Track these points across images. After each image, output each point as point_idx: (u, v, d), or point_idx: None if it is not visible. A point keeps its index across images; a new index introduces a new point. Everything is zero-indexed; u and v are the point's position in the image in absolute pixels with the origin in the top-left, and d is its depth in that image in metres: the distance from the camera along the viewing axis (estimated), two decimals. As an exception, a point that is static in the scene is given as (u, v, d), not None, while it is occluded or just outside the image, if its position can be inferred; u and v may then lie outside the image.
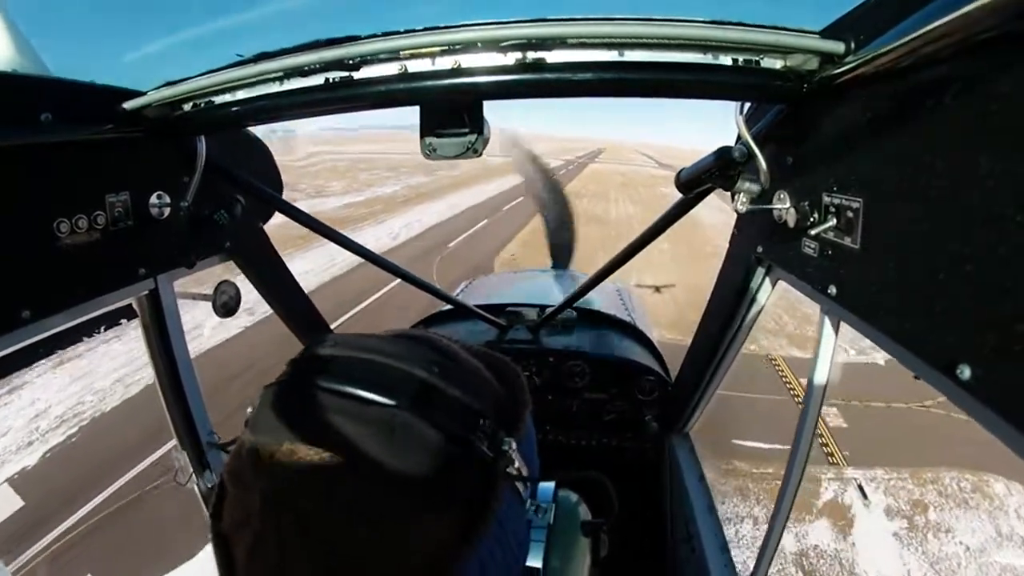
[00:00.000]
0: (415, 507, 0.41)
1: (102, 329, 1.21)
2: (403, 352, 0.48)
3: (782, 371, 12.25)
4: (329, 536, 0.39)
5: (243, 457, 0.43)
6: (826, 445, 9.72)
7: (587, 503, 0.70)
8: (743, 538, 7.59)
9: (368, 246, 1.88)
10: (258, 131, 1.53)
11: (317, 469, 0.40)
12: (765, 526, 1.36)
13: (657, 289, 15.86)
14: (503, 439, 0.47)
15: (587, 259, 6.11)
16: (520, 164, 7.49)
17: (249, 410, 0.47)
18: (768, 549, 1.36)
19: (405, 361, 0.47)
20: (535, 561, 0.57)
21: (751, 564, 1.44)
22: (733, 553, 1.73)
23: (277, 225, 1.66)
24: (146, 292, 1.28)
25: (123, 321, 1.29)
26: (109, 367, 10.85)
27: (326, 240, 1.75)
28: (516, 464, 0.48)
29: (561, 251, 5.97)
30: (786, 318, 14.38)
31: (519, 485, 0.50)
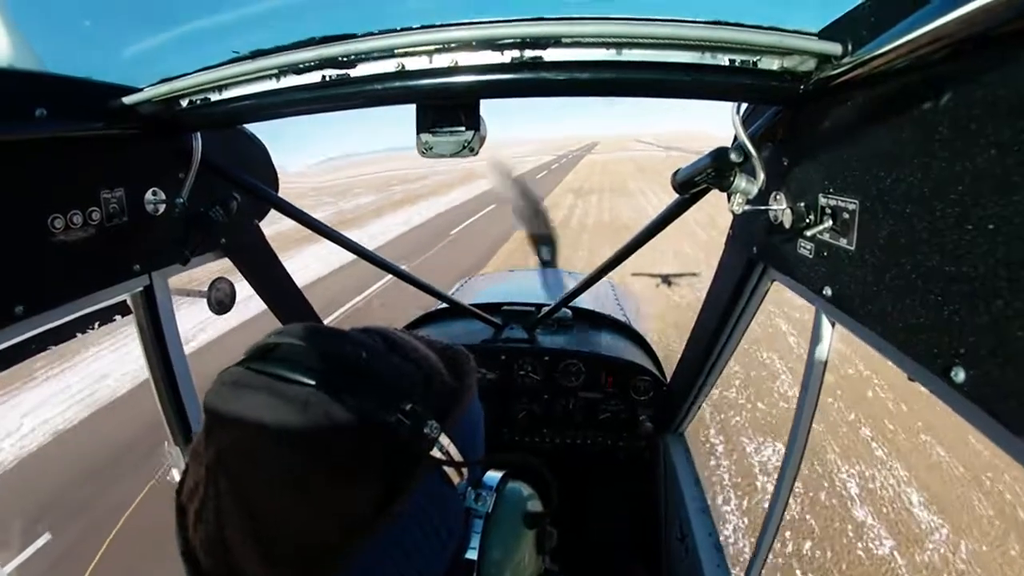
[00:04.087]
0: (328, 480, 0.45)
1: (96, 325, 1.21)
2: (340, 338, 0.53)
3: None
4: (257, 499, 0.44)
5: (200, 433, 0.49)
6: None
7: (543, 498, 0.68)
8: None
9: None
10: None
11: (249, 440, 0.45)
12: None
13: (666, 280, 10.43)
14: (426, 423, 0.50)
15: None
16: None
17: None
18: (761, 550, 1.36)
19: (337, 346, 0.51)
20: (473, 554, 0.56)
21: (745, 563, 1.45)
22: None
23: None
24: (141, 289, 1.28)
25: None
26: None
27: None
28: (445, 448, 0.51)
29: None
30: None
31: (450, 471, 0.52)
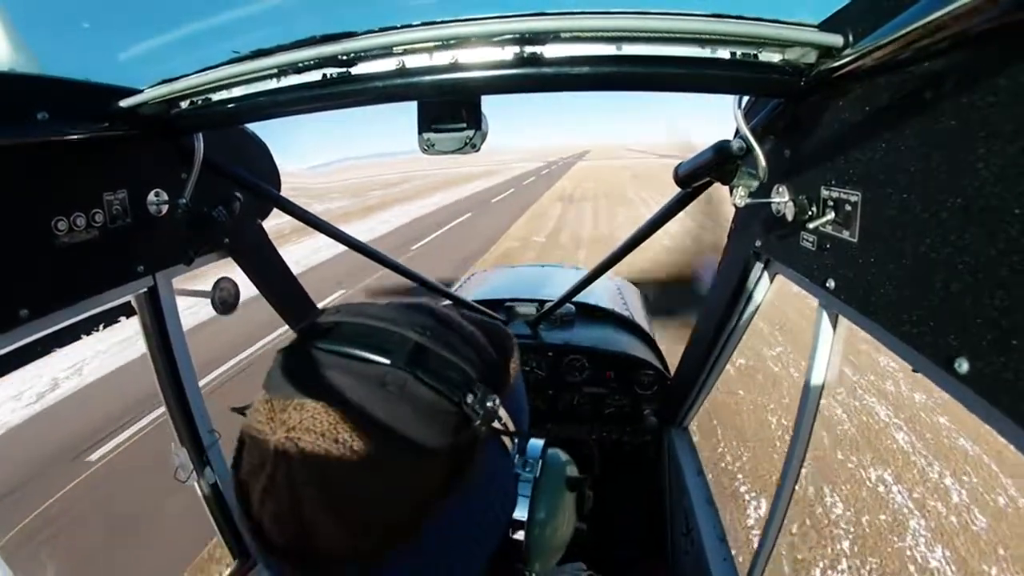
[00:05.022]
0: (405, 454, 0.46)
1: (100, 327, 1.21)
2: (399, 317, 0.53)
3: None
4: (332, 476, 0.45)
5: (260, 411, 0.48)
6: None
7: (579, 465, 0.76)
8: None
9: None
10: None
11: (322, 418, 0.45)
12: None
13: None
14: (489, 396, 0.51)
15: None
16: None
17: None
18: (766, 543, 1.37)
19: (401, 325, 0.52)
20: (521, 513, 0.62)
21: (749, 558, 1.45)
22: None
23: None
24: (145, 290, 1.28)
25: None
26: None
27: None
28: (502, 420, 0.53)
29: None
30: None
31: (506, 440, 0.55)
